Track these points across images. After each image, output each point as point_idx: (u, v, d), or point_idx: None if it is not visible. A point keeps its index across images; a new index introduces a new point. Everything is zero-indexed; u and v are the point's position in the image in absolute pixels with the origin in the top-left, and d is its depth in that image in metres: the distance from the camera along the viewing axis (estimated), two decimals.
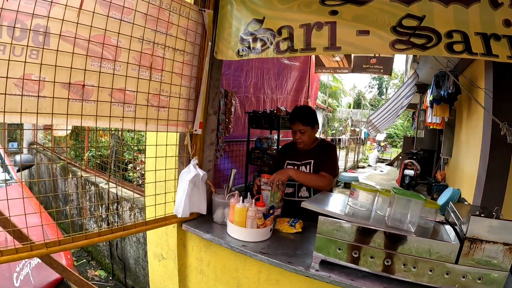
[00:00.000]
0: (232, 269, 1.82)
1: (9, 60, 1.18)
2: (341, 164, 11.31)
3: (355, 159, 15.02)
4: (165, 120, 1.75)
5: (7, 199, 1.28)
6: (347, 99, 28.56)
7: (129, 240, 3.39)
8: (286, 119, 3.63)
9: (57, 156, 5.70)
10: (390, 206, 1.40)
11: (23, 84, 1.23)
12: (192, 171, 1.85)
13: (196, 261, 2.03)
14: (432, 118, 6.01)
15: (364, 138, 18.97)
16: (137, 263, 3.29)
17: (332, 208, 1.51)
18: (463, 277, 1.25)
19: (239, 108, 4.11)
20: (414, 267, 1.29)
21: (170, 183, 1.97)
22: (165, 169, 1.92)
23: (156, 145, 1.89)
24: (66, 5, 1.28)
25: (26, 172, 5.97)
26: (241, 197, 1.80)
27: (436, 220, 1.46)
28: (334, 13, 1.48)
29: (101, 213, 3.91)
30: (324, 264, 1.44)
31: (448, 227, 1.47)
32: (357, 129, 19.42)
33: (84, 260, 4.03)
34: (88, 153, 4.67)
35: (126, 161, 4.03)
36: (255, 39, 1.71)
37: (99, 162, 4.48)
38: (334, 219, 1.40)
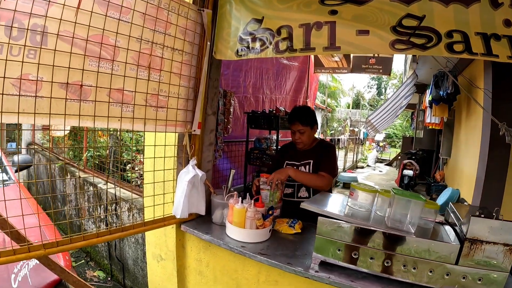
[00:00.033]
0: (231, 270, 1.82)
1: (6, 60, 1.17)
2: (340, 164, 11.31)
3: (354, 159, 15.03)
4: (164, 120, 1.74)
5: (5, 200, 1.27)
6: (346, 99, 28.61)
7: (127, 241, 3.37)
8: (285, 119, 3.62)
9: (56, 157, 5.68)
10: (390, 206, 1.40)
11: (21, 84, 1.22)
12: (191, 171, 1.84)
13: (195, 262, 2.02)
14: (431, 118, 6.02)
15: (363, 138, 18.99)
16: (136, 264, 3.28)
17: (332, 209, 1.50)
18: (463, 278, 1.24)
19: (238, 108, 4.10)
20: (414, 268, 1.29)
21: (168, 183, 1.96)
22: (164, 170, 1.91)
23: (155, 145, 1.88)
24: (64, 5, 1.27)
25: (24, 172, 5.96)
26: (240, 198, 1.79)
27: (436, 220, 1.46)
28: (333, 12, 1.48)
29: (100, 213, 3.90)
30: (324, 265, 1.43)
31: (448, 227, 1.47)
32: (356, 129, 19.44)
33: (83, 261, 4.01)
34: (86, 153, 4.66)
35: (124, 161, 4.02)
36: (254, 39, 1.70)
37: (97, 162, 4.47)
38: (333, 220, 1.39)
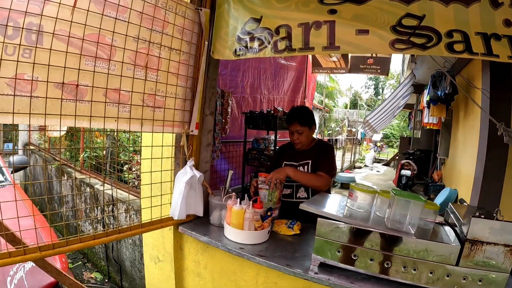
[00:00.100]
0: (229, 271, 1.80)
1: (1, 59, 1.15)
2: (337, 164, 11.31)
3: (352, 160, 15.05)
4: (161, 120, 1.73)
5: (0, 202, 1.25)
6: (343, 99, 28.66)
7: (125, 243, 3.35)
8: (283, 119, 3.61)
9: (52, 157, 5.63)
10: (390, 207, 1.39)
11: (16, 84, 1.20)
12: (188, 172, 1.83)
13: (193, 263, 2.01)
14: (429, 118, 6.04)
15: (361, 138, 19.03)
16: (133, 266, 3.26)
17: (331, 210, 1.49)
18: (464, 279, 1.24)
19: (235, 109, 4.09)
20: (414, 269, 1.28)
21: (166, 184, 1.94)
22: (161, 171, 1.89)
23: (152, 146, 1.86)
24: (59, 3, 1.26)
25: (21, 173, 5.91)
26: (238, 199, 1.78)
27: (436, 221, 1.45)
28: (333, 12, 1.46)
29: (97, 215, 3.87)
30: (323, 267, 1.42)
31: (447, 228, 1.46)
32: (354, 129, 19.46)
33: (80, 262, 3.98)
34: (83, 154, 4.63)
35: (121, 162, 3.99)
36: (252, 38, 1.68)
37: (94, 163, 4.44)
38: (333, 221, 1.38)
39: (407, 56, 6.56)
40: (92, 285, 3.48)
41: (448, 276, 1.25)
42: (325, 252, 1.39)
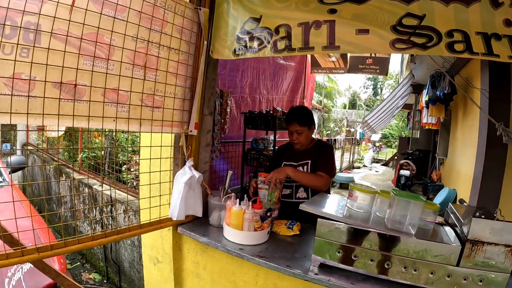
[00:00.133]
0: (229, 272, 1.79)
1: None
2: (336, 164, 11.33)
3: (351, 160, 15.06)
4: (160, 120, 1.71)
5: None
6: (342, 99, 28.70)
7: (123, 243, 3.33)
8: (282, 119, 3.61)
9: (51, 157, 5.61)
10: (390, 207, 1.38)
11: (13, 84, 1.18)
12: (187, 173, 1.82)
13: (192, 264, 2.00)
14: (428, 118, 6.04)
15: (359, 138, 19.06)
16: (132, 266, 3.24)
17: (331, 210, 1.48)
18: (464, 279, 1.23)
19: (234, 109, 4.08)
20: (415, 270, 1.27)
21: (165, 185, 1.93)
22: (160, 171, 1.88)
23: (151, 146, 1.85)
24: (58, 2, 1.24)
25: (19, 173, 5.88)
26: (238, 200, 1.77)
27: (436, 221, 1.45)
28: (332, 11, 1.46)
29: (95, 215, 3.85)
30: (323, 268, 1.41)
31: (448, 228, 1.46)
32: (352, 130, 19.49)
33: (78, 263, 3.96)
34: (81, 154, 4.61)
35: (120, 162, 3.98)
36: (252, 38, 1.68)
37: (92, 163, 4.42)
38: (333, 221, 1.37)
39: (406, 57, 6.57)
40: (90, 286, 3.46)
41: (448, 276, 1.24)
42: (325, 253, 1.39)
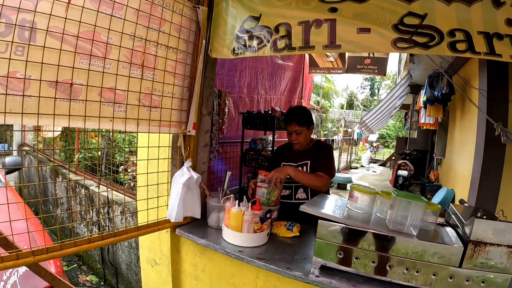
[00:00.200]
0: (228, 275, 1.77)
1: None
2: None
3: (348, 160, 15.09)
4: (158, 120, 1.69)
5: None
6: (339, 99, 28.77)
7: (121, 245, 3.30)
8: (281, 119, 3.59)
9: (47, 158, 5.56)
10: (391, 208, 1.37)
11: (7, 83, 1.16)
12: (185, 173, 1.79)
13: (191, 266, 1.97)
14: (426, 118, 6.04)
15: (357, 138, 19.10)
16: (129, 268, 3.21)
17: (332, 212, 1.46)
18: (467, 280, 1.22)
19: (232, 109, 4.05)
20: (417, 271, 1.26)
21: (162, 186, 1.90)
22: (158, 172, 1.86)
23: (148, 147, 1.82)
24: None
25: (16, 174, 5.82)
26: (237, 201, 1.75)
27: (437, 222, 1.43)
28: (333, 10, 1.44)
29: (92, 217, 3.82)
30: (324, 270, 1.39)
31: (449, 229, 1.45)
32: (350, 130, 19.53)
33: (75, 265, 3.92)
34: (78, 155, 4.56)
35: (117, 163, 3.94)
36: (251, 37, 1.66)
37: (89, 164, 4.38)
38: (334, 222, 1.35)
39: (404, 57, 6.57)
40: None
41: (451, 278, 1.23)
42: (326, 255, 1.37)
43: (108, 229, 3.47)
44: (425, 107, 5.73)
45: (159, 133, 1.74)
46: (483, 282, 1.21)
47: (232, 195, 1.82)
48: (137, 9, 1.48)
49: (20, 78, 1.18)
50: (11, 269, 1.92)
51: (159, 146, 1.84)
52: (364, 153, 18.29)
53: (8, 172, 3.87)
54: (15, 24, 1.15)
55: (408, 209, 1.31)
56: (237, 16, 1.72)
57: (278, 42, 1.58)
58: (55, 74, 1.26)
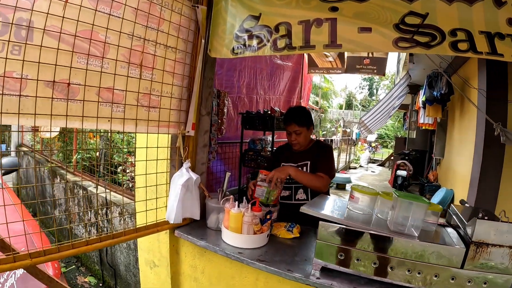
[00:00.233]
0: (228, 276, 1.75)
1: None
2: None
3: (347, 160, 15.09)
4: (156, 121, 1.67)
5: None
6: (337, 100, 28.80)
7: (119, 246, 3.28)
8: (280, 120, 3.57)
9: (45, 159, 5.53)
10: (393, 209, 1.35)
11: (4, 83, 1.14)
12: (184, 174, 1.78)
13: (190, 268, 1.95)
14: (425, 118, 6.05)
15: (356, 139, 19.10)
16: (128, 270, 3.19)
17: (333, 213, 1.45)
18: (469, 281, 1.21)
19: (231, 109, 4.03)
20: (419, 273, 1.25)
21: (161, 187, 1.89)
22: (156, 173, 1.84)
23: (147, 147, 1.81)
24: None
25: (13, 175, 5.79)
26: (237, 202, 1.73)
27: (438, 222, 1.42)
28: (334, 9, 1.43)
29: (90, 218, 3.79)
30: (325, 271, 1.38)
31: (450, 230, 1.43)
32: (348, 130, 19.52)
33: (73, 266, 3.90)
34: (76, 155, 4.54)
35: (115, 163, 3.92)
36: (251, 36, 1.64)
37: (87, 164, 4.35)
38: (335, 224, 1.34)
39: (403, 57, 6.58)
40: None
41: (453, 279, 1.22)
42: (327, 256, 1.35)
43: (107, 230, 3.45)
44: (424, 107, 5.73)
45: (158, 133, 1.72)
46: (485, 283, 1.20)
47: (231, 196, 1.80)
48: (135, 8, 1.46)
49: (16, 78, 1.17)
50: (8, 272, 1.90)
51: (157, 147, 1.83)
52: (363, 153, 18.29)
53: (6, 173, 3.84)
54: (12, 23, 1.13)
55: (409, 210, 1.30)
56: (236, 15, 1.70)
57: (278, 42, 1.56)
58: (52, 74, 1.24)
